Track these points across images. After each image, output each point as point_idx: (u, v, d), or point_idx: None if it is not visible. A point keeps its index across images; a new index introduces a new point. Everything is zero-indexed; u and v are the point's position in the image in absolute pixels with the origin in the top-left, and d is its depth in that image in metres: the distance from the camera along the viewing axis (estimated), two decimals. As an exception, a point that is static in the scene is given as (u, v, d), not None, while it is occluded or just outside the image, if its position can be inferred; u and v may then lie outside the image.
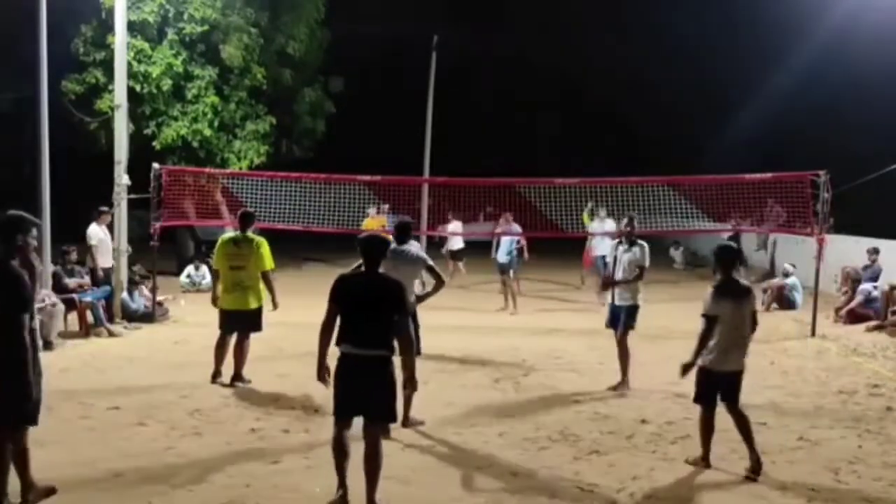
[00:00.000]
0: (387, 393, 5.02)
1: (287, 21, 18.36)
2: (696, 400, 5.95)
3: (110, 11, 13.93)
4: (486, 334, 11.51)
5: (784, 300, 14.03)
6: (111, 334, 10.82)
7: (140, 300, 12.01)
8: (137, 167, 12.83)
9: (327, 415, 5.41)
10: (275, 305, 8.29)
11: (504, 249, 13.98)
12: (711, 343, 5.81)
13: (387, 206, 15.87)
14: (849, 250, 14.35)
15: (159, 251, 12.78)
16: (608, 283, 8.41)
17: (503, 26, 33.89)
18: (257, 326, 8.23)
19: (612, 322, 8.21)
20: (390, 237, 6.22)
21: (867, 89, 21.03)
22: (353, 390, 4.98)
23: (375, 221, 15.26)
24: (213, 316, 8.31)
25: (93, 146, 16.37)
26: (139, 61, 16.06)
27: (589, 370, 9.09)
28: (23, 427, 4.82)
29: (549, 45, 33.18)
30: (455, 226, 17.30)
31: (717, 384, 5.83)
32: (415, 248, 6.93)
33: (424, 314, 7.43)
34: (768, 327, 11.21)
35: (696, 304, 6.07)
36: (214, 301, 8.29)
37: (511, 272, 13.95)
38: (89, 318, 10.77)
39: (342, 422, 5.04)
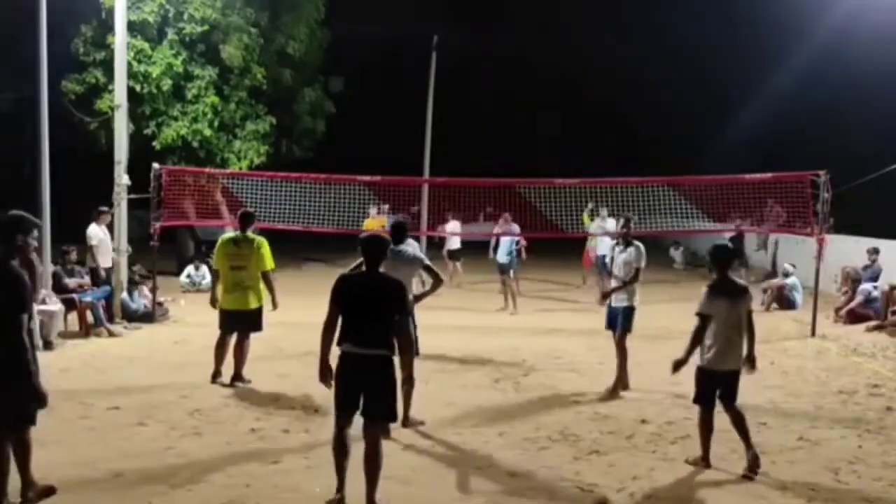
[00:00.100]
0: (387, 392, 5.03)
1: (287, 21, 18.36)
2: (696, 400, 5.96)
3: (110, 11, 13.93)
4: (486, 334, 11.51)
5: (784, 300, 14.03)
6: (111, 334, 10.81)
7: (140, 300, 12.01)
8: (137, 167, 12.83)
9: (327, 415, 5.41)
10: (274, 305, 8.29)
11: (504, 250, 13.98)
12: (708, 343, 5.83)
13: (387, 207, 15.89)
14: (849, 250, 14.35)
15: (159, 251, 12.78)
16: (606, 295, 8.38)
17: (503, 26, 33.90)
18: (258, 326, 8.23)
19: (611, 323, 8.20)
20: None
21: (867, 89, 21.03)
22: (353, 389, 4.99)
23: (376, 221, 15.26)
24: (213, 316, 8.31)
25: (93, 146, 16.37)
26: (139, 61, 16.06)
27: (589, 370, 9.09)
28: (25, 427, 4.83)
29: (549, 45, 33.20)
30: (453, 226, 17.32)
31: (717, 383, 5.85)
32: (411, 247, 6.92)
33: (424, 314, 7.44)
34: (768, 327, 11.22)
35: (696, 304, 6.07)
36: (213, 302, 8.28)
37: (511, 272, 13.95)
38: (89, 318, 10.77)
39: (343, 420, 5.05)
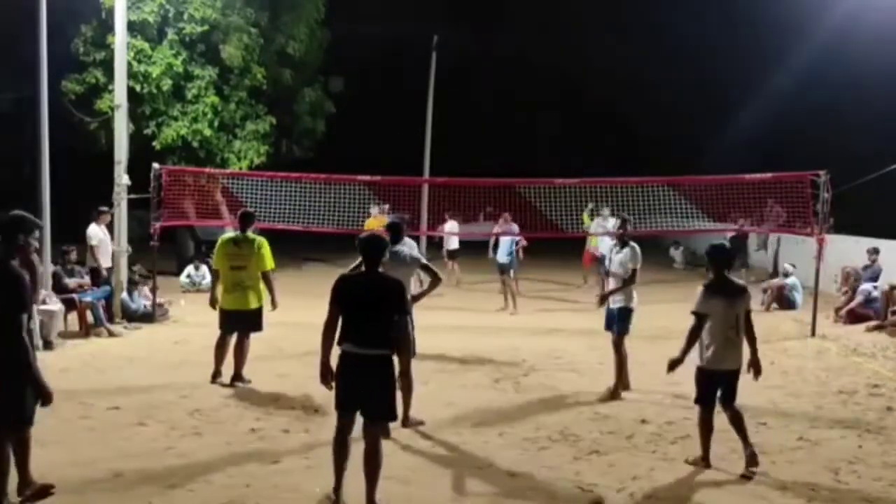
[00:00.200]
0: (387, 392, 5.05)
1: (287, 21, 18.35)
2: (697, 401, 5.96)
3: (110, 11, 13.93)
4: (486, 334, 11.50)
5: (784, 300, 14.03)
6: (111, 334, 10.81)
7: (140, 300, 12.01)
8: (137, 167, 12.82)
9: (327, 415, 5.42)
10: (274, 305, 8.29)
11: (504, 250, 13.98)
12: (706, 342, 5.83)
13: (387, 207, 15.89)
14: (849, 250, 14.35)
15: (159, 251, 12.78)
16: (604, 298, 8.36)
17: (503, 26, 33.89)
18: (258, 326, 8.23)
19: (609, 324, 8.17)
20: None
21: (867, 89, 21.03)
22: (354, 389, 5.01)
23: (377, 221, 15.26)
24: (213, 316, 8.31)
25: (93, 146, 16.37)
26: (139, 61, 16.06)
27: (589, 370, 9.09)
28: (24, 427, 4.83)
29: (549, 45, 33.19)
30: (451, 226, 17.36)
31: (716, 383, 5.84)
32: (408, 247, 6.91)
33: (425, 314, 7.45)
34: (768, 327, 11.22)
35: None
36: (213, 303, 8.28)
37: (511, 272, 13.95)
38: (89, 318, 10.77)
39: (345, 421, 5.07)
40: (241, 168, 16.97)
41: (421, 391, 7.31)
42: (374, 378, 4.98)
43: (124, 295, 11.83)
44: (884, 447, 6.44)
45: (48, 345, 9.52)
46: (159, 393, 7.72)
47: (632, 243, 8.02)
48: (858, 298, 12.19)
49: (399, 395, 6.08)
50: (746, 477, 5.67)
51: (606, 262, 8.77)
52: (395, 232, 6.81)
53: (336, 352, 5.06)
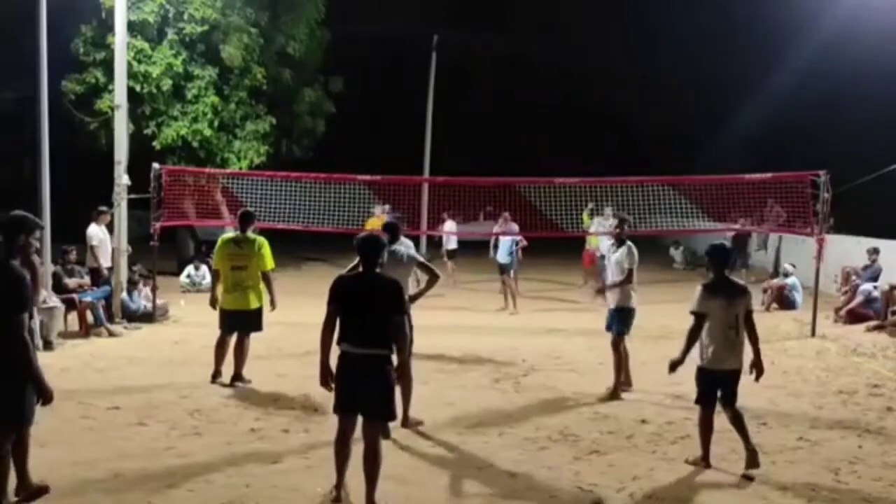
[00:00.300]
0: (386, 392, 5.05)
1: (287, 21, 18.35)
2: (698, 401, 5.96)
3: (110, 11, 13.93)
4: (485, 334, 11.50)
5: (784, 300, 14.03)
6: (111, 334, 10.81)
7: (140, 300, 12.01)
8: (137, 167, 12.82)
9: (327, 414, 5.42)
10: (273, 306, 8.28)
11: (505, 249, 13.97)
12: (706, 343, 5.82)
13: (387, 207, 15.90)
14: (849, 250, 14.35)
15: (159, 251, 12.78)
16: (601, 290, 8.40)
17: (503, 26, 33.92)
18: (258, 326, 8.23)
19: (610, 324, 8.17)
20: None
21: (867, 89, 21.04)
22: (353, 388, 5.02)
23: (379, 221, 15.26)
24: (213, 316, 8.30)
25: (93, 146, 16.37)
26: (139, 61, 16.06)
27: (589, 370, 9.09)
28: (25, 426, 4.84)
29: (549, 45, 33.21)
30: (450, 225, 17.38)
31: (716, 383, 5.83)
32: (404, 247, 6.90)
33: (425, 314, 7.44)
34: (768, 327, 11.22)
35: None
36: (213, 303, 8.27)
37: (511, 272, 13.95)
38: (89, 318, 10.77)
39: (346, 422, 5.08)
40: (241, 168, 16.97)
41: (421, 391, 7.31)
42: (372, 378, 4.98)
43: (124, 295, 11.83)
44: (884, 447, 6.44)
45: (48, 345, 9.52)
46: (159, 393, 7.72)
47: (628, 243, 8.01)
48: (858, 298, 12.18)
49: (399, 394, 6.08)
50: (747, 478, 5.66)
51: (605, 261, 8.78)
52: (393, 232, 6.80)
53: (336, 351, 5.06)
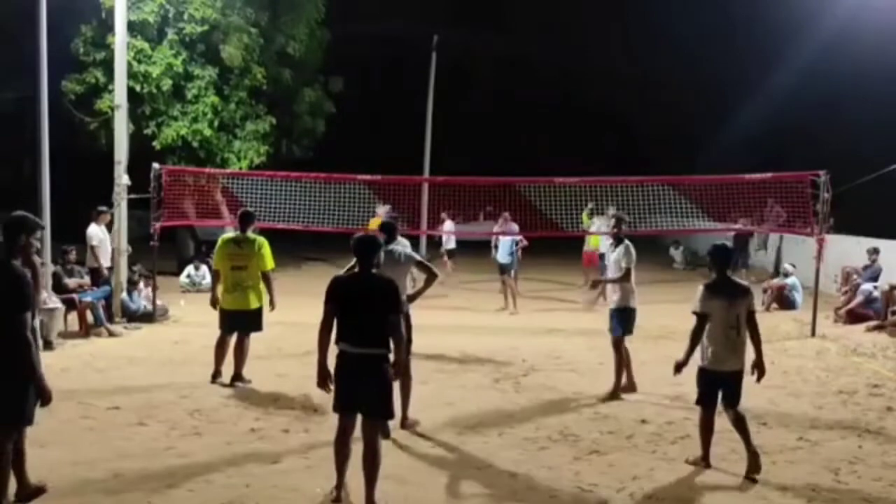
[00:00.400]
0: (384, 391, 5.07)
1: (287, 21, 18.35)
2: (698, 401, 5.95)
3: (110, 11, 13.92)
4: (485, 334, 11.50)
5: (784, 300, 14.02)
6: (111, 334, 10.81)
7: (140, 300, 12.01)
8: (137, 167, 12.82)
9: (327, 414, 5.43)
10: (272, 306, 8.28)
11: (505, 249, 13.96)
12: (706, 343, 5.81)
13: (388, 208, 15.89)
14: (849, 250, 14.35)
15: (159, 251, 12.78)
16: (596, 284, 8.42)
17: (503, 26, 33.92)
18: (258, 326, 8.23)
19: (610, 325, 8.14)
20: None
21: (867, 89, 21.03)
22: (352, 387, 5.04)
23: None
24: (213, 316, 8.31)
25: (93, 146, 16.37)
26: (139, 61, 16.05)
27: (589, 370, 9.09)
28: (25, 425, 4.84)
29: (549, 45, 33.21)
30: (449, 225, 17.41)
31: (717, 384, 5.82)
32: (401, 247, 6.89)
33: (424, 314, 7.43)
34: (768, 327, 11.18)
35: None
36: (213, 303, 8.27)
37: (512, 272, 13.94)
38: (89, 318, 10.77)
39: (346, 421, 5.10)
40: (241, 168, 16.96)
41: (420, 391, 7.32)
42: (370, 377, 5.01)
43: (124, 295, 11.83)
44: (884, 447, 6.44)
45: (48, 345, 9.51)
46: (159, 393, 7.72)
47: (626, 242, 7.99)
48: (859, 298, 12.18)
49: (398, 395, 6.10)
50: (751, 479, 5.63)
51: (606, 261, 8.78)
52: (389, 231, 6.79)
53: (334, 350, 5.08)
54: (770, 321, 12.25)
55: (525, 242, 14.33)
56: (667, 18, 28.91)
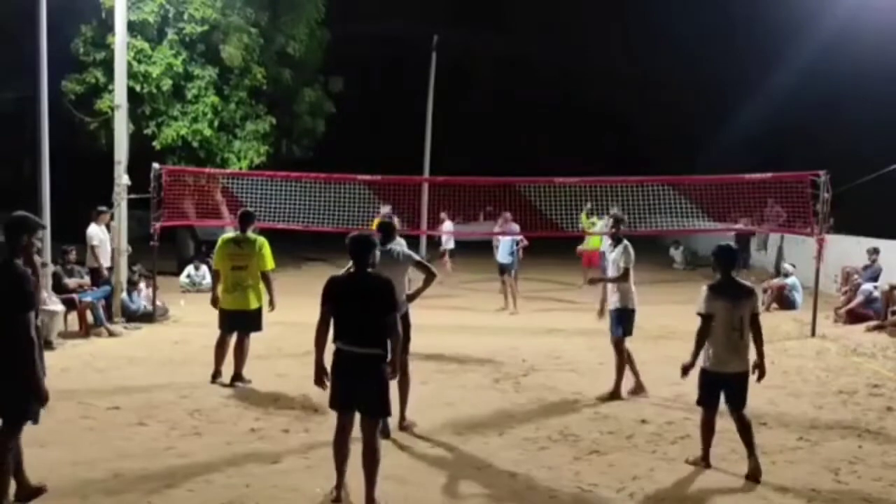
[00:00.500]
0: (381, 389, 5.10)
1: (287, 21, 18.35)
2: (699, 402, 5.93)
3: (110, 11, 13.93)
4: (485, 334, 11.50)
5: (784, 300, 14.02)
6: (111, 334, 10.81)
7: (140, 300, 12.01)
8: (137, 167, 12.82)
9: (327, 414, 5.43)
10: (272, 306, 8.28)
11: (506, 249, 13.96)
12: (707, 343, 5.78)
13: (389, 207, 15.90)
14: (849, 250, 14.35)
15: (159, 251, 12.78)
16: (593, 282, 8.42)
17: (503, 26, 33.92)
18: (258, 326, 8.23)
19: (610, 326, 8.12)
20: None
21: (867, 89, 21.04)
22: (349, 386, 5.07)
23: (386, 221, 15.26)
24: (213, 316, 8.31)
25: (93, 146, 16.37)
26: (139, 61, 16.05)
27: (589, 370, 9.08)
28: (33, 423, 4.85)
29: (549, 45, 33.21)
30: (448, 225, 17.42)
31: (718, 385, 5.79)
32: (399, 247, 6.89)
33: (424, 314, 7.43)
34: (768, 327, 11.10)
35: (696, 304, 6.06)
36: (214, 302, 8.27)
37: (512, 272, 13.94)
38: (89, 318, 10.77)
39: (344, 419, 5.12)
40: (241, 168, 16.97)
41: (420, 391, 7.33)
42: (367, 377, 5.04)
43: (124, 295, 11.83)
44: (884, 447, 6.44)
45: (48, 345, 9.48)
46: (159, 393, 7.72)
47: (624, 242, 7.97)
48: (859, 298, 12.18)
49: (396, 395, 6.10)
50: (754, 481, 5.60)
51: (605, 260, 8.78)
52: (387, 231, 6.79)
53: (331, 348, 5.10)
54: (770, 321, 12.22)
55: (526, 242, 14.34)
56: (667, 18, 28.90)
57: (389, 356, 5.11)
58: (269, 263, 8.24)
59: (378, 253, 5.39)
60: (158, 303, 12.29)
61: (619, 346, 7.91)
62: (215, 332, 8.22)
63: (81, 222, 11.69)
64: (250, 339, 8.23)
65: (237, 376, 8.10)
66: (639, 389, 7.91)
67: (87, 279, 11.25)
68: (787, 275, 14.44)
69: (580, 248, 16.41)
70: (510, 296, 13.91)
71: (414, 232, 18.27)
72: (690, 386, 6.11)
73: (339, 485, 5.11)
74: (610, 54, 32.98)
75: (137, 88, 15.89)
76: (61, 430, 6.31)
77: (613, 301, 7.94)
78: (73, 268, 11.21)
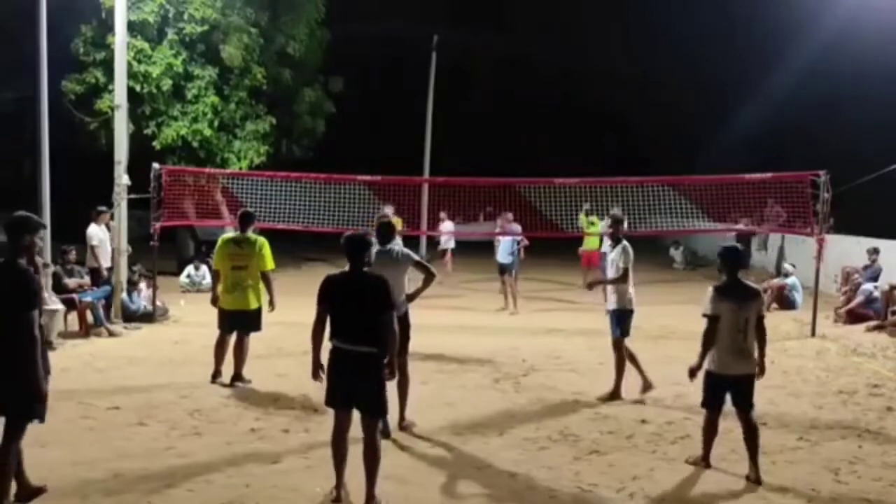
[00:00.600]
0: (377, 388, 5.12)
1: (287, 21, 18.35)
2: (703, 404, 5.88)
3: (110, 11, 13.93)
4: (486, 334, 11.50)
5: (784, 300, 14.03)
6: (111, 334, 10.81)
7: (139, 301, 12.01)
8: (137, 167, 12.82)
9: (327, 414, 5.44)
10: (272, 306, 8.28)
11: (506, 249, 13.95)
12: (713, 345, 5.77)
13: (392, 208, 15.89)
14: (849, 250, 14.36)
15: (159, 251, 12.78)
16: (592, 284, 8.41)
17: (503, 26, 33.92)
18: (257, 326, 8.23)
19: (609, 327, 8.10)
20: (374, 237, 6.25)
21: (867, 89, 21.03)
22: (346, 384, 5.09)
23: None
24: (213, 316, 8.31)
25: (93, 146, 16.37)
26: (139, 61, 16.06)
27: (589, 370, 9.08)
28: (40, 422, 4.86)
29: (549, 45, 33.21)
30: (448, 225, 17.43)
31: (724, 388, 5.74)
32: (398, 247, 6.89)
33: (424, 314, 7.42)
34: (769, 327, 11.15)
35: (697, 304, 6.06)
36: (214, 301, 8.28)
37: (512, 272, 13.93)
38: (89, 318, 10.77)
39: (341, 416, 5.15)
40: (241, 168, 16.97)
41: (420, 391, 7.33)
42: (364, 376, 5.06)
43: (124, 295, 11.83)
44: (884, 447, 6.44)
45: (48, 345, 9.50)
46: (159, 393, 7.72)
47: (623, 242, 7.95)
48: (859, 298, 12.18)
49: (395, 394, 6.10)
50: (755, 482, 5.60)
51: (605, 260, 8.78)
52: (386, 231, 6.79)
53: (328, 346, 5.13)
54: (770, 321, 12.07)
55: (526, 242, 14.34)
56: (667, 18, 28.89)
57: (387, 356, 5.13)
58: (270, 264, 8.24)
59: (374, 252, 5.40)
60: (158, 303, 12.28)
61: (618, 346, 7.90)
62: (215, 332, 8.22)
63: (81, 222, 11.69)
64: (250, 339, 8.23)
65: (237, 376, 8.10)
66: (647, 388, 7.86)
67: (87, 279, 11.25)
68: (787, 275, 14.45)
69: (581, 248, 16.42)
70: (510, 296, 13.91)
71: (414, 232, 18.27)
72: (690, 386, 6.11)
73: (339, 484, 5.12)
74: (610, 54, 32.98)
75: (137, 88, 15.89)
76: (61, 430, 6.30)
77: (611, 301, 7.93)
78: (73, 268, 11.21)
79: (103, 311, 10.91)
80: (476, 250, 18.87)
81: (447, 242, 17.90)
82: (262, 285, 8.21)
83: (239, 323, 8.12)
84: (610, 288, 8.00)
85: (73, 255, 11.27)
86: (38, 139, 11.11)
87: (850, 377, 8.90)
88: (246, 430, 6.65)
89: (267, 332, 8.52)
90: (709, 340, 5.72)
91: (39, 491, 5.03)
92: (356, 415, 5.17)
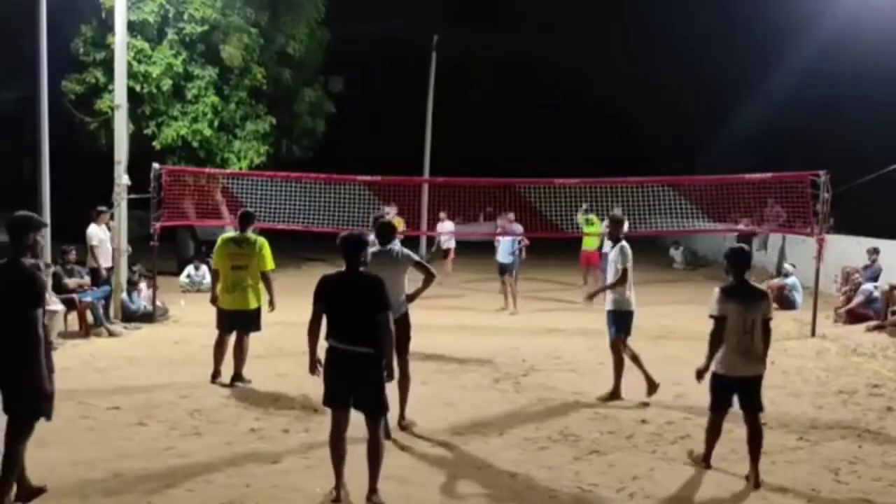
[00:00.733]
0: (375, 387, 5.13)
1: (287, 21, 18.35)
2: (711, 407, 5.84)
3: (110, 11, 13.93)
4: (486, 334, 11.50)
5: (784, 300, 14.02)
6: (111, 334, 10.82)
7: (139, 301, 12.00)
8: (137, 167, 12.82)
9: (327, 414, 5.44)
10: (272, 306, 8.28)
11: (506, 249, 13.94)
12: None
13: (395, 209, 15.90)
14: (849, 250, 14.36)
15: (159, 251, 12.78)
16: (592, 295, 8.40)
17: (503, 26, 33.91)
18: (257, 326, 8.24)
19: (608, 328, 8.09)
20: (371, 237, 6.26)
21: (867, 89, 21.02)
22: (343, 384, 5.12)
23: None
24: (213, 316, 8.31)
25: (93, 146, 16.37)
26: (139, 61, 16.06)
27: (589, 370, 9.08)
28: (47, 420, 4.88)
29: (549, 45, 33.20)
30: (447, 225, 17.44)
31: (730, 389, 5.72)
32: (398, 247, 6.88)
33: (424, 314, 7.42)
34: (768, 327, 11.21)
35: (697, 304, 6.06)
36: (214, 300, 8.28)
37: (513, 272, 13.93)
38: (89, 318, 10.77)
39: (338, 415, 5.17)
40: (241, 168, 16.97)
41: (420, 391, 7.33)
42: (362, 376, 5.07)
43: (124, 295, 11.83)
44: (884, 447, 6.44)
45: (49, 345, 9.49)
46: (159, 393, 7.72)
47: (622, 242, 7.95)
48: (859, 298, 12.19)
49: (395, 394, 6.10)
50: (756, 484, 5.60)
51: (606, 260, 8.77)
52: (386, 232, 6.79)
53: (324, 346, 5.15)
54: (770, 321, 12.25)
55: (527, 242, 14.34)
56: (667, 18, 28.87)
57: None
58: (269, 264, 8.24)
59: (371, 252, 5.40)
60: (158, 303, 12.29)
61: (616, 347, 7.88)
62: (215, 332, 8.22)
63: (81, 222, 11.69)
64: (250, 339, 8.23)
65: (237, 376, 8.10)
66: (652, 389, 7.77)
67: (87, 279, 11.24)
68: (787, 275, 14.45)
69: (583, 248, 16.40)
70: (510, 296, 13.91)
71: (414, 232, 18.27)
72: (690, 386, 6.11)
73: (339, 484, 5.11)
74: (610, 54, 32.96)
75: (137, 88, 15.90)
76: (61, 430, 6.29)
77: (609, 302, 7.92)
78: (73, 268, 11.21)
79: (103, 311, 10.90)
80: (476, 250, 18.87)
81: (448, 242, 17.90)
82: (261, 285, 8.21)
83: (238, 323, 8.12)
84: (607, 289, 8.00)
85: (73, 255, 11.26)
86: (38, 139, 11.12)
87: (850, 377, 8.90)
88: (246, 430, 6.65)
89: (267, 332, 8.52)
90: (715, 341, 5.70)
91: (39, 491, 5.03)
92: (355, 415, 5.18)
